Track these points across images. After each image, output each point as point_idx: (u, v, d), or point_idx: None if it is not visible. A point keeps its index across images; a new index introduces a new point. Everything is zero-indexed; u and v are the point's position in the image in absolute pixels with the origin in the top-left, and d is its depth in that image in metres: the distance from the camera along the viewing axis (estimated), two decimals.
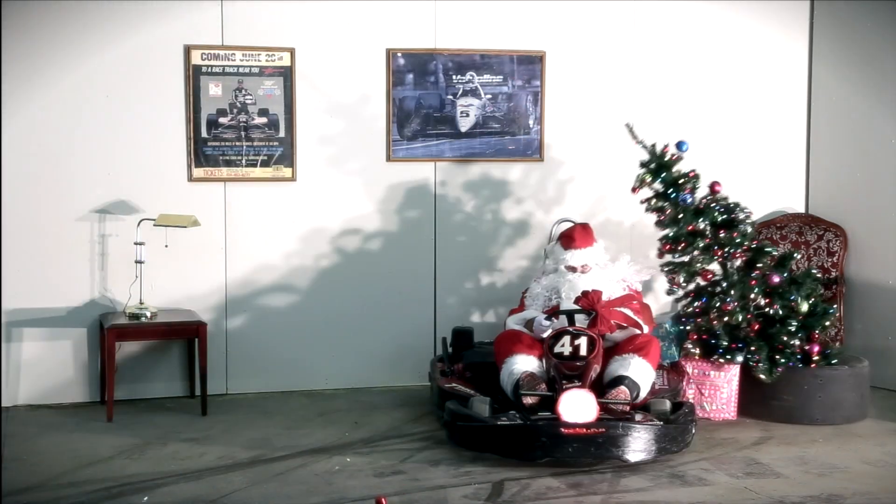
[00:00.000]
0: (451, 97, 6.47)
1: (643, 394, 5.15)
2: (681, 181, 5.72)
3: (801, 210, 7.06)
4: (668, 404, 5.03)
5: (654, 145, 5.81)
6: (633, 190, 5.82)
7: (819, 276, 5.81)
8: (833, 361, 5.65)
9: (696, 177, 5.76)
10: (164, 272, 6.07)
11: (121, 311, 5.93)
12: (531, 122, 6.60)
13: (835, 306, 5.83)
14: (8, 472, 4.61)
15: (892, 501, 4.40)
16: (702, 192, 5.80)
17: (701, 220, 5.65)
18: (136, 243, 5.85)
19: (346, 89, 6.33)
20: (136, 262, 5.85)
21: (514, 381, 5.13)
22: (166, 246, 5.92)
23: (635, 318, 5.50)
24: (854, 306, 6.70)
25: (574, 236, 5.77)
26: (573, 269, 5.70)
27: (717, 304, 5.58)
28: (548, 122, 6.62)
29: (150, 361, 6.14)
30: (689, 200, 5.67)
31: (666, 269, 5.84)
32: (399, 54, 6.36)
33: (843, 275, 6.73)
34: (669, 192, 5.72)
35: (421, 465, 4.83)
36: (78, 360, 6.02)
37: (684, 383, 5.64)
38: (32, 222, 5.91)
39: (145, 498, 4.37)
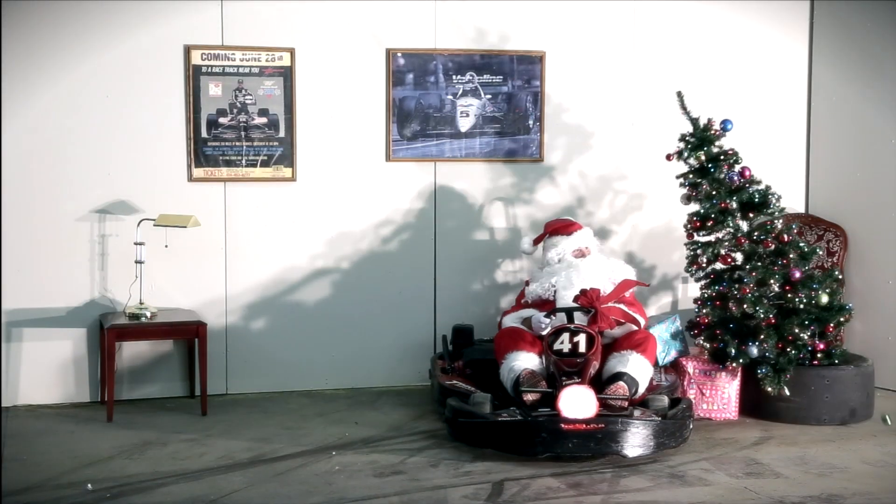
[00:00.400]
0: (450, 97, 6.47)
1: (641, 389, 5.19)
2: (721, 158, 5.75)
3: (801, 210, 7.06)
4: (665, 400, 5.07)
5: (698, 118, 5.85)
6: (668, 157, 5.86)
7: (840, 277, 5.80)
8: (836, 361, 5.63)
9: (736, 154, 5.78)
10: (164, 272, 6.07)
11: (121, 312, 5.93)
12: (531, 122, 6.60)
13: (851, 303, 5.81)
14: (8, 472, 4.61)
15: (891, 501, 4.40)
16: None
17: (734, 198, 5.66)
18: (136, 243, 5.85)
19: (346, 89, 6.33)
20: (136, 262, 5.85)
21: (514, 377, 5.15)
22: (166, 246, 5.92)
23: (632, 313, 5.53)
24: (854, 306, 6.67)
25: (566, 223, 5.94)
26: (580, 254, 5.80)
27: (737, 290, 5.54)
28: (548, 122, 6.62)
29: (150, 361, 6.14)
30: (737, 179, 5.68)
31: (690, 248, 5.82)
32: (399, 54, 6.36)
33: (844, 275, 6.72)
34: (709, 166, 5.73)
35: (421, 465, 4.83)
36: (78, 360, 6.02)
37: (684, 382, 5.65)
38: (32, 222, 5.91)
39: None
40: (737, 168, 5.75)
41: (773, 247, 5.65)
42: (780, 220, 5.73)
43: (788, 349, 5.51)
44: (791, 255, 5.62)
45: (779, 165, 7.03)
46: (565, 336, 5.14)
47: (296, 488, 4.49)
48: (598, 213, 6.70)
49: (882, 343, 6.47)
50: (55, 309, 5.97)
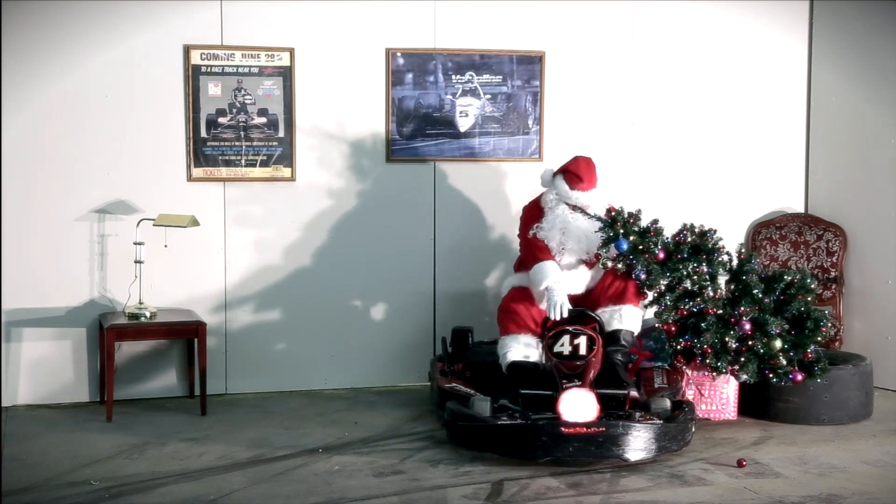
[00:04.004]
0: (450, 97, 6.47)
1: (636, 333, 5.44)
2: (645, 237, 5.41)
3: (801, 210, 7.06)
4: (668, 403, 5.05)
5: (607, 215, 5.46)
6: (596, 257, 5.53)
7: (813, 286, 5.47)
8: (818, 379, 5.39)
9: (659, 230, 5.45)
10: (164, 272, 6.07)
11: (120, 311, 5.93)
12: (530, 122, 6.60)
13: (829, 308, 5.69)
14: (8, 472, 4.60)
15: (891, 501, 4.40)
16: (673, 229, 5.51)
17: (673, 258, 5.39)
18: (135, 243, 5.85)
19: (346, 89, 6.33)
20: (136, 261, 5.85)
21: (507, 364, 5.41)
22: (166, 246, 5.93)
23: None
24: (853, 306, 6.70)
25: (581, 175, 5.57)
26: (576, 208, 5.58)
27: (698, 347, 5.34)
28: (547, 122, 6.62)
29: (150, 361, 6.14)
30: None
31: (653, 311, 5.57)
32: (398, 54, 6.37)
33: (843, 275, 6.73)
34: (640, 247, 5.40)
35: (420, 465, 4.83)
36: (78, 360, 6.02)
37: (683, 383, 5.65)
38: (32, 222, 5.91)
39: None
40: (666, 236, 5.45)
41: (716, 311, 5.34)
42: (734, 259, 5.47)
43: (771, 376, 5.33)
44: (743, 307, 5.31)
45: (778, 165, 7.04)
46: (566, 338, 5.14)
47: (295, 488, 4.49)
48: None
49: (881, 342, 6.48)
50: (55, 309, 5.97)
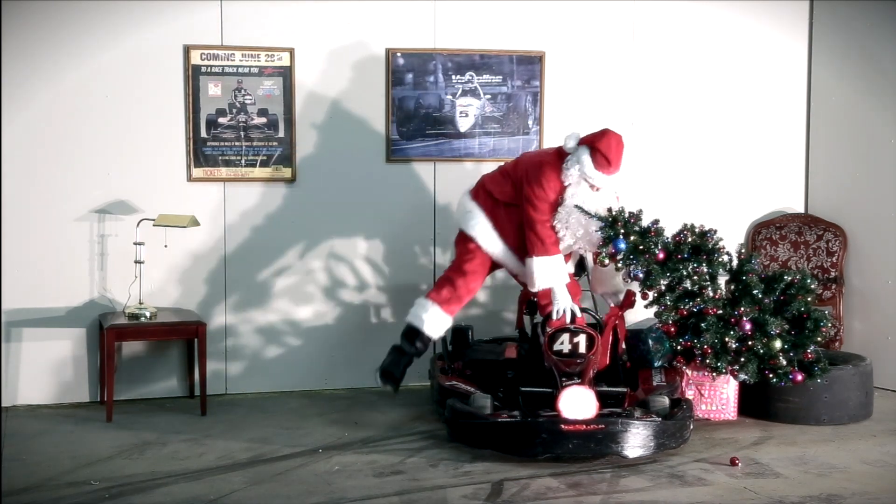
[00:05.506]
0: (450, 97, 6.47)
1: None
2: (646, 237, 5.35)
3: (801, 210, 7.06)
4: (666, 401, 5.07)
5: (607, 216, 5.36)
6: (595, 256, 5.46)
7: (813, 286, 5.44)
8: (818, 379, 5.37)
9: (660, 230, 5.39)
10: (164, 272, 6.08)
11: (120, 311, 5.93)
12: (530, 122, 6.60)
13: (829, 308, 5.68)
14: (8, 472, 4.61)
15: (891, 501, 4.40)
16: (673, 229, 5.46)
17: (674, 258, 5.35)
18: (135, 243, 5.85)
19: (346, 89, 6.33)
20: (136, 262, 5.85)
21: (415, 327, 5.61)
22: (166, 246, 5.93)
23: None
24: (853, 306, 6.70)
25: (611, 159, 5.26)
26: (594, 188, 5.37)
27: (698, 347, 5.32)
28: (547, 122, 6.62)
29: (150, 361, 6.14)
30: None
31: (653, 311, 5.53)
32: (398, 54, 6.37)
33: (843, 275, 6.73)
34: (640, 247, 5.34)
35: (420, 465, 4.83)
36: (78, 360, 6.02)
37: (682, 383, 5.65)
38: (32, 222, 5.91)
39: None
40: (666, 236, 5.40)
41: (716, 311, 5.32)
42: (735, 259, 5.44)
43: (771, 376, 5.31)
44: (743, 308, 5.29)
45: (778, 165, 7.04)
46: (565, 337, 5.15)
47: (295, 488, 4.49)
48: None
49: (881, 342, 6.48)
50: (55, 309, 5.97)
